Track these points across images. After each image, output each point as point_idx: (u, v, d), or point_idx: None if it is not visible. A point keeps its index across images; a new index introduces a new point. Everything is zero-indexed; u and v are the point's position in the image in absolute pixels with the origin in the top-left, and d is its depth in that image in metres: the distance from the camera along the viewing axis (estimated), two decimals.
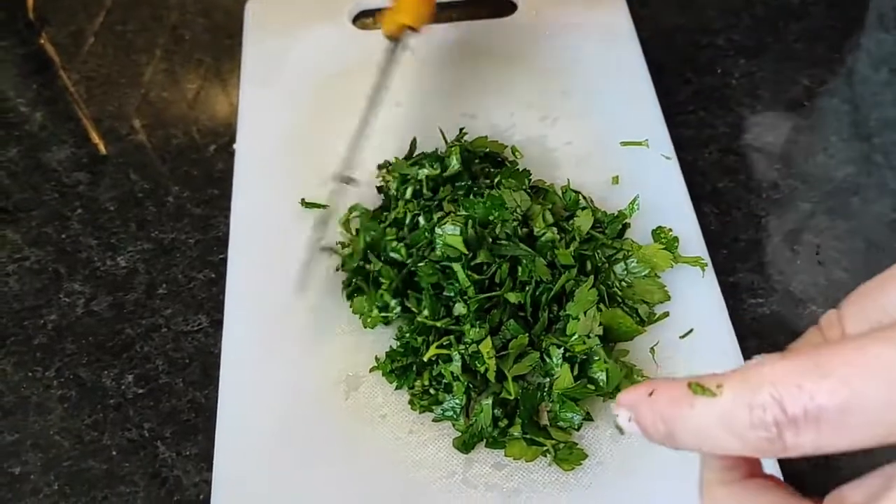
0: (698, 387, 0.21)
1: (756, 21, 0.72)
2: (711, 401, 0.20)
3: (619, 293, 0.50)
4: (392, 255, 0.51)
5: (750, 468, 0.25)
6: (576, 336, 0.46)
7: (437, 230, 0.49)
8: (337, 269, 0.53)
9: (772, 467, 0.44)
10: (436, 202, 0.53)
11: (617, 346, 0.49)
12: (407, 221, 0.52)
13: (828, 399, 0.19)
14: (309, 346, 0.51)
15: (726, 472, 0.25)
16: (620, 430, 0.23)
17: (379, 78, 0.55)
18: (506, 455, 0.45)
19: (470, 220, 0.49)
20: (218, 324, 0.53)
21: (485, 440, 0.46)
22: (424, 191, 0.54)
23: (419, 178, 0.54)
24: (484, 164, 0.57)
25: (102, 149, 0.65)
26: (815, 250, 0.56)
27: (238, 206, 0.58)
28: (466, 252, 0.48)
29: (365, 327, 0.50)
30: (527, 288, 0.48)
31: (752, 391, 0.20)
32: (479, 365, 0.46)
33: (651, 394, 0.22)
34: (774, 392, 0.19)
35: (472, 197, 0.52)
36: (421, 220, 0.51)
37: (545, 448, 0.45)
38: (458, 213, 0.51)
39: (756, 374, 0.20)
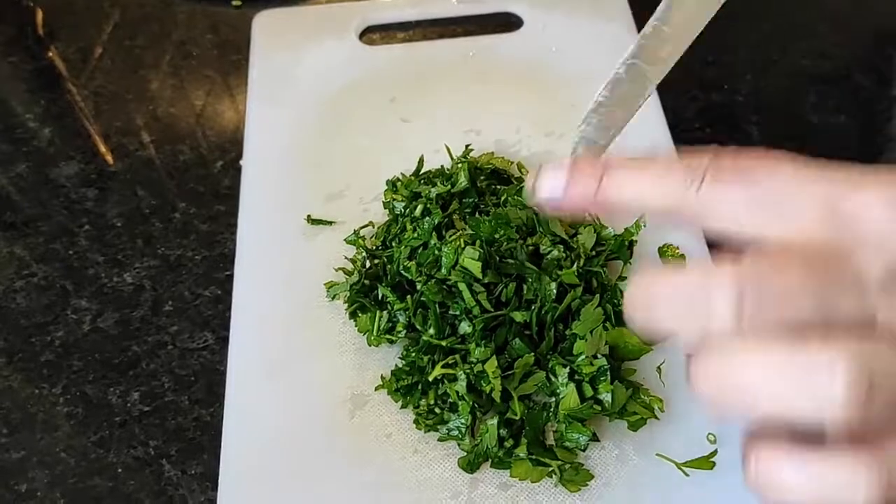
0: None
1: (762, 37, 0.72)
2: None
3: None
4: (403, 273, 0.50)
5: None
6: (583, 356, 0.46)
7: (445, 249, 0.49)
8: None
9: None
10: (446, 219, 0.53)
11: (624, 364, 0.49)
12: (416, 238, 0.52)
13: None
14: (314, 364, 0.51)
15: None
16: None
17: None
18: (511, 475, 0.45)
19: (476, 240, 0.49)
20: (224, 341, 0.53)
21: (490, 460, 0.46)
22: (433, 208, 0.53)
23: (430, 196, 0.54)
24: (490, 180, 0.57)
25: (110, 164, 0.66)
26: None
27: (244, 223, 0.59)
28: (481, 277, 0.48)
29: (370, 345, 0.50)
30: (532, 307, 0.48)
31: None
32: (484, 384, 0.46)
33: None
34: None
35: (477, 215, 0.52)
36: (433, 239, 0.51)
37: (551, 469, 0.45)
38: (466, 231, 0.51)
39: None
